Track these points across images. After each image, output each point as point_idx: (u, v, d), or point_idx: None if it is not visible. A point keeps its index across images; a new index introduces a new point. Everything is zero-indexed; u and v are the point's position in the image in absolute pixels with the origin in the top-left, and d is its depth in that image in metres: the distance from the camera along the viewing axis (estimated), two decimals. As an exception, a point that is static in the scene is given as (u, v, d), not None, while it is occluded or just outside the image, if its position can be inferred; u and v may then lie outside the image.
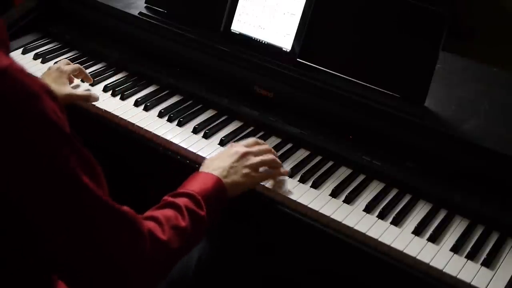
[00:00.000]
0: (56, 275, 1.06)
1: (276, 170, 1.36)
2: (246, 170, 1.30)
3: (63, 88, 1.57)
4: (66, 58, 1.83)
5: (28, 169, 0.84)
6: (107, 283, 0.96)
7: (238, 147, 1.34)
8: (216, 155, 1.34)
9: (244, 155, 1.32)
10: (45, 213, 0.87)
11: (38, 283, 1.02)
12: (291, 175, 1.40)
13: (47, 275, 1.04)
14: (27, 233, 0.89)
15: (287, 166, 1.42)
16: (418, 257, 1.21)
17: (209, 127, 1.54)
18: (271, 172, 1.36)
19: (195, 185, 1.20)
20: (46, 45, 1.90)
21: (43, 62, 1.80)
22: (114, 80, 1.73)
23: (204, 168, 1.29)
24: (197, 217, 1.13)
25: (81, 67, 1.68)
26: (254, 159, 1.32)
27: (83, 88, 1.68)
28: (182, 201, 1.13)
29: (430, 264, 1.20)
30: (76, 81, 1.68)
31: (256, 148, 1.36)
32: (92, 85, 1.69)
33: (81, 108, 1.61)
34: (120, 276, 0.96)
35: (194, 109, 1.62)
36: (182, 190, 1.18)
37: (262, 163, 1.34)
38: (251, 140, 1.39)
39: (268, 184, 1.36)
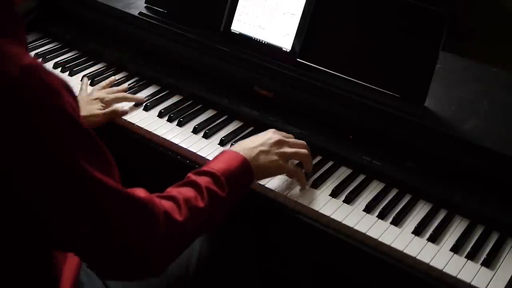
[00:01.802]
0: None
1: (302, 177, 1.35)
2: (275, 157, 1.29)
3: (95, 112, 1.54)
4: (66, 58, 1.84)
5: (43, 161, 0.87)
6: (125, 264, 1.01)
7: (274, 134, 1.35)
8: (251, 137, 1.35)
9: (278, 143, 1.32)
10: (57, 203, 0.91)
11: (40, 259, 1.04)
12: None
13: (49, 251, 1.07)
14: (38, 222, 0.92)
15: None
16: (418, 257, 1.21)
17: (209, 127, 1.54)
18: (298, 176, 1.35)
19: (220, 164, 1.20)
20: (46, 45, 1.90)
21: (43, 62, 1.80)
22: (114, 80, 1.73)
23: (234, 147, 1.29)
24: (217, 198, 1.14)
25: (125, 95, 1.62)
26: (288, 149, 1.32)
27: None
28: (203, 180, 1.15)
29: (430, 264, 1.20)
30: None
31: (292, 140, 1.36)
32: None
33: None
34: (136, 256, 1.00)
35: (194, 109, 1.62)
36: (206, 169, 1.19)
37: (294, 154, 1.34)
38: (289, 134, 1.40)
39: (286, 182, 1.35)
